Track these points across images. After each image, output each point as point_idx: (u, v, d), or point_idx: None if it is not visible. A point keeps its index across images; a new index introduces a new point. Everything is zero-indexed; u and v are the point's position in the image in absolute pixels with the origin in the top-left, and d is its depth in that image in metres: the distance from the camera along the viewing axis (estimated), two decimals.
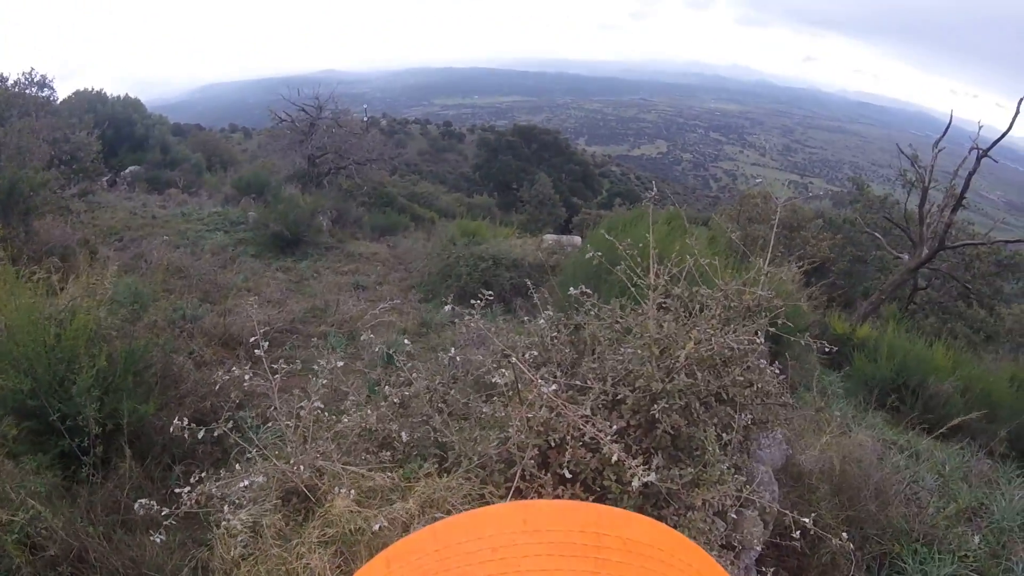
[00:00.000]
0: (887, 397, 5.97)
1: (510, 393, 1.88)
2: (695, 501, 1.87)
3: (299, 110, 17.49)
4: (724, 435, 1.95)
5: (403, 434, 1.82)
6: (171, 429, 1.95)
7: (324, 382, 1.95)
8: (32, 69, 13.44)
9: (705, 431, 1.87)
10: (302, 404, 1.85)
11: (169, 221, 12.57)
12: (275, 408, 1.85)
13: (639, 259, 2.28)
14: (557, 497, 1.82)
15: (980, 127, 9.91)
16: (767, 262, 2.57)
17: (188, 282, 7.80)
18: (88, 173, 13.40)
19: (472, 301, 2.21)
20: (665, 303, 2.30)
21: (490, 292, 2.34)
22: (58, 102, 15.15)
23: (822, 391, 5.07)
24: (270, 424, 2.15)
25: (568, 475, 1.73)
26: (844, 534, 2.01)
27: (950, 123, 10.80)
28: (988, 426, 5.30)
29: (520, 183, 27.55)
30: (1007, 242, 12.35)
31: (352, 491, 1.68)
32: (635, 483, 1.66)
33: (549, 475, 1.75)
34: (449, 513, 1.57)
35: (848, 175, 18.91)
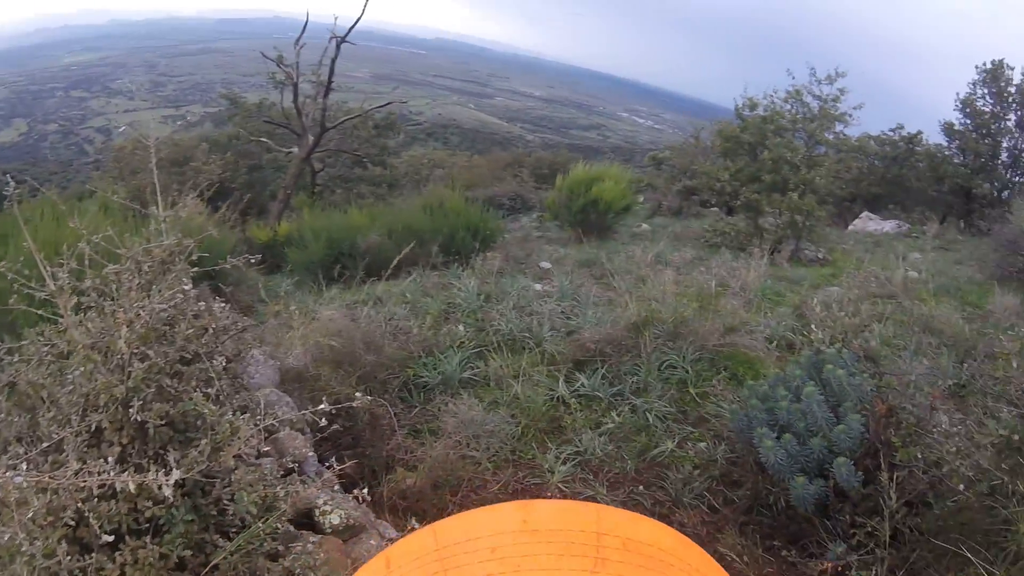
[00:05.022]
0: (333, 270, 6.55)
1: None
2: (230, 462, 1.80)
3: None
4: (209, 390, 1.81)
5: None
6: None
7: None
8: None
9: (191, 398, 1.70)
10: None
11: None
12: None
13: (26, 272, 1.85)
14: None
15: (336, 19, 11.55)
16: (162, 207, 2.44)
17: None
18: None
19: None
20: (82, 302, 1.96)
21: None
22: None
23: (274, 296, 5.24)
24: None
25: None
26: (358, 393, 2.31)
27: (307, 21, 11.84)
28: (425, 249, 6.45)
29: None
30: (379, 107, 15.05)
31: None
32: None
33: None
34: None
35: (221, 92, 19.06)
